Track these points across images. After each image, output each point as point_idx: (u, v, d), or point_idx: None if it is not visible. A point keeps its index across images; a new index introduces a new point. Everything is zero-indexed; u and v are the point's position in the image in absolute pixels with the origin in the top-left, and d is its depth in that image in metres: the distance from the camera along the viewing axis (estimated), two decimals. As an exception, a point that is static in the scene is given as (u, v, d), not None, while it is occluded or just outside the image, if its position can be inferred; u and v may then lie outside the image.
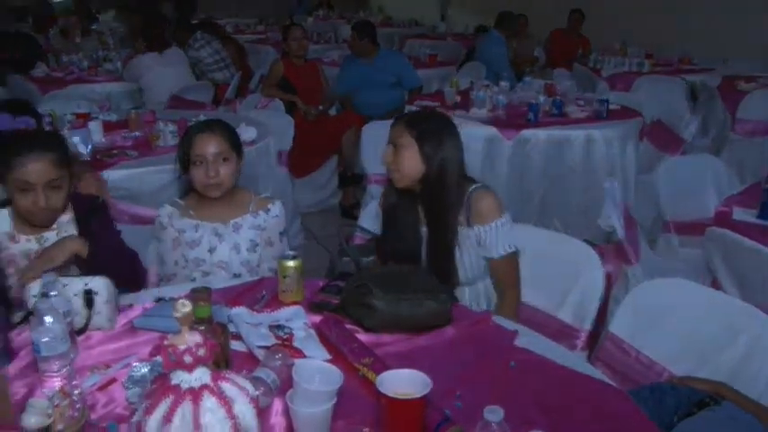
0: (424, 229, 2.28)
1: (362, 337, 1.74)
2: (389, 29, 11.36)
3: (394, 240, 2.32)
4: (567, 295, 2.23)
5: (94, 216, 2.25)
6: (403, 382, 1.34)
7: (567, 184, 4.17)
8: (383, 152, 2.26)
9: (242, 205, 2.41)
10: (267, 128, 4.11)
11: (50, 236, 2.19)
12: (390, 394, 1.30)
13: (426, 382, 1.33)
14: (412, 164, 2.20)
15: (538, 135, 4.13)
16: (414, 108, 4.89)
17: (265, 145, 3.93)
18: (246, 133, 3.70)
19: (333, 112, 5.84)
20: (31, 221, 2.14)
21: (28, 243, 2.17)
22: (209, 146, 2.31)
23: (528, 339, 1.78)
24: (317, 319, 1.85)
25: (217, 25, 7.14)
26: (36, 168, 2.04)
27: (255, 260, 2.39)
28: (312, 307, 1.92)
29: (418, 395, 1.30)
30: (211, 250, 2.36)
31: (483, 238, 2.20)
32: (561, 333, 2.18)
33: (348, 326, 1.79)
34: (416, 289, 1.81)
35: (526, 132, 4.14)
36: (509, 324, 1.87)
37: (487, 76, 6.31)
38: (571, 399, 1.50)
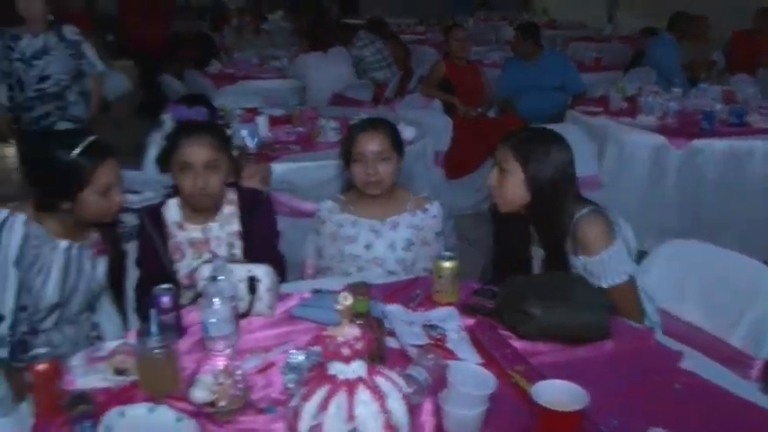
0: (539, 250, 2.17)
1: (516, 343, 1.71)
2: (553, 31, 11.10)
3: (502, 257, 2.25)
4: (740, 319, 2.07)
5: (257, 210, 2.36)
6: (559, 394, 1.31)
7: (745, 199, 3.89)
8: (491, 174, 2.13)
9: (400, 204, 2.44)
10: (425, 128, 4.15)
11: (214, 226, 2.32)
12: (546, 405, 1.27)
13: (584, 396, 1.29)
14: (516, 191, 2.06)
15: (713, 146, 3.88)
16: (576, 113, 4.76)
17: (423, 145, 3.98)
18: (405, 133, 3.74)
19: (492, 114, 5.80)
20: (193, 205, 2.27)
21: (194, 232, 2.32)
22: (371, 144, 2.36)
23: (694, 362, 1.68)
24: (470, 321, 1.85)
25: (384, 25, 7.27)
26: (195, 150, 2.18)
27: (410, 259, 2.42)
28: (466, 309, 1.92)
29: (575, 408, 1.26)
30: (368, 246, 2.41)
31: (590, 270, 2.04)
32: (732, 359, 2.02)
33: (501, 331, 1.77)
34: (575, 299, 1.76)
35: (699, 142, 3.91)
36: (673, 344, 1.77)
37: (657, 82, 6.00)
38: (743, 430, 1.40)
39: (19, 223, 1.96)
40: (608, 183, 4.05)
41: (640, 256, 2.36)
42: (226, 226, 2.32)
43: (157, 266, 2.26)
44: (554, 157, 2.04)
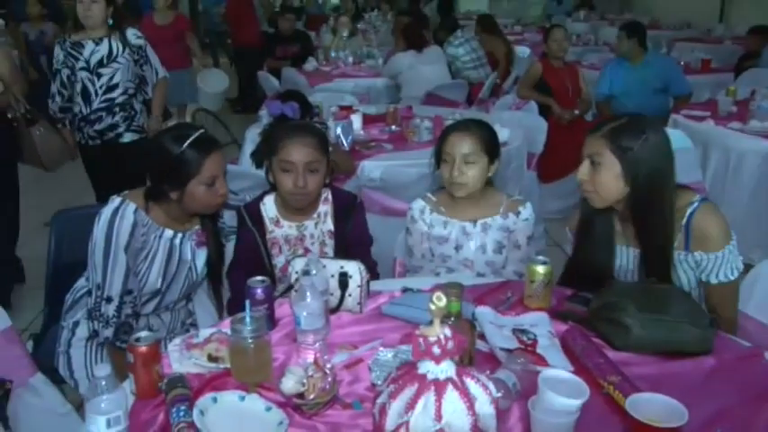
0: (632, 250, 2.07)
1: (609, 353, 1.67)
2: (657, 31, 10.74)
3: (585, 257, 2.14)
4: None
5: (351, 214, 2.41)
6: (656, 408, 1.27)
7: None
8: (580, 168, 2.03)
9: (492, 206, 2.42)
10: (520, 130, 4.11)
11: (309, 224, 2.38)
12: (642, 419, 1.23)
13: (682, 412, 1.25)
14: (613, 186, 1.94)
15: (831, 156, 3.67)
16: (680, 118, 4.59)
17: (517, 147, 3.93)
18: (499, 134, 3.72)
19: (589, 117, 5.66)
20: (291, 203, 2.33)
21: (289, 229, 2.38)
22: (460, 146, 2.34)
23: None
24: (561, 328, 1.82)
25: (494, 22, 7.18)
26: (298, 150, 2.24)
27: (500, 262, 2.40)
28: (558, 315, 1.89)
29: (673, 425, 1.22)
30: (458, 248, 2.41)
31: (703, 266, 1.95)
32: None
33: (594, 340, 1.73)
34: (676, 311, 1.70)
35: (816, 151, 3.69)
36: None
37: (772, 85, 5.71)
38: None
39: (130, 211, 2.07)
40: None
41: (745, 269, 2.26)
42: (320, 225, 2.39)
43: (256, 261, 2.34)
44: (653, 144, 1.92)
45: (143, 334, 1.55)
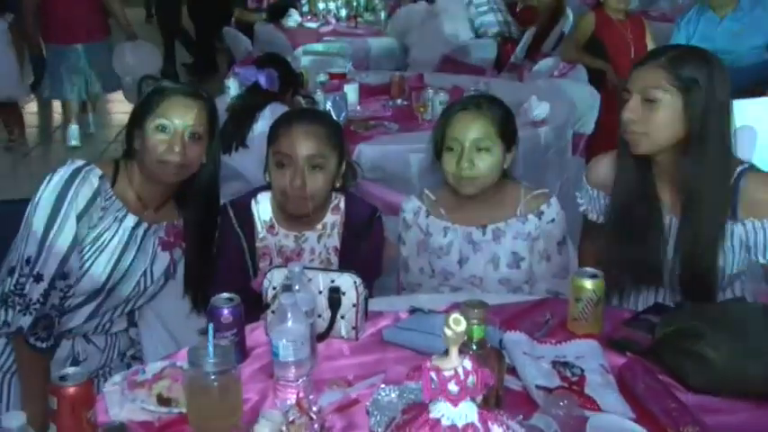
0: (669, 219, 2.17)
1: (682, 395, 1.67)
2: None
3: (623, 235, 2.21)
4: None
5: (367, 231, 2.40)
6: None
7: None
8: (628, 105, 2.10)
9: (508, 205, 2.40)
10: (564, 103, 4.11)
11: (311, 236, 2.39)
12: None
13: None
14: (669, 127, 2.05)
15: None
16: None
17: (560, 126, 3.94)
18: (537, 109, 3.74)
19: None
20: (287, 208, 2.33)
21: (286, 239, 2.39)
22: (469, 129, 2.31)
23: None
24: (618, 360, 1.82)
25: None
26: (299, 140, 2.25)
27: (519, 279, 2.38)
28: (612, 345, 1.89)
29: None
30: (461, 261, 2.40)
31: (753, 237, 2.06)
32: None
33: (662, 377, 1.73)
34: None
35: None
36: None
37: None
38: None
39: (94, 176, 2.13)
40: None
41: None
42: (324, 238, 2.39)
43: (240, 273, 2.34)
44: (719, 77, 2.03)
45: (70, 370, 1.53)
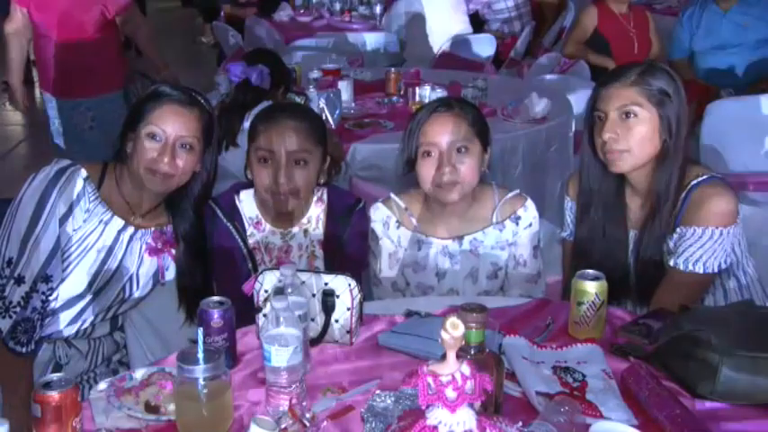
0: (633, 233, 2.27)
1: (688, 401, 1.68)
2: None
3: (591, 244, 2.31)
4: None
5: (349, 220, 2.40)
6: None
7: None
8: (605, 126, 2.18)
9: (482, 212, 2.38)
10: (564, 100, 4.11)
11: (297, 232, 2.40)
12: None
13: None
14: (649, 141, 2.15)
15: None
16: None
17: (560, 123, 3.94)
18: (537, 106, 3.74)
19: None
20: (269, 205, 2.34)
21: (273, 235, 2.40)
22: (446, 132, 2.27)
23: None
24: (620, 365, 1.82)
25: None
26: (281, 135, 2.25)
27: (496, 288, 2.39)
28: (614, 349, 1.89)
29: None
30: (440, 275, 2.39)
31: (684, 243, 2.13)
32: None
33: (666, 382, 1.73)
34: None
35: None
36: None
37: None
38: None
39: (79, 177, 2.15)
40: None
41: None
42: (310, 231, 2.40)
43: (239, 269, 2.33)
44: (682, 94, 2.16)
45: (55, 377, 1.53)
